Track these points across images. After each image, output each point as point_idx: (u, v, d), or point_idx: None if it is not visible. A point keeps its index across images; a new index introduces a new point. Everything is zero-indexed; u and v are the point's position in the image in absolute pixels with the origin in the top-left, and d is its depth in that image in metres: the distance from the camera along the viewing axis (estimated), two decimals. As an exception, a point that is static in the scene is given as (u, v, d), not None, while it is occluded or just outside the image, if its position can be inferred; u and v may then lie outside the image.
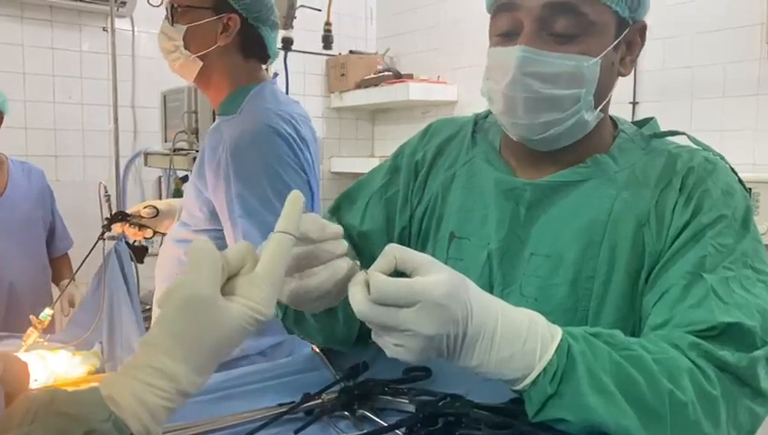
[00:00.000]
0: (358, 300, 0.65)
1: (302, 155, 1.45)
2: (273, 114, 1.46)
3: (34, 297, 2.24)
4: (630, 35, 0.89)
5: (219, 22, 1.49)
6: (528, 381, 0.68)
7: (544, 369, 0.68)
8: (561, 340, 0.69)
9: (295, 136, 1.45)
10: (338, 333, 0.90)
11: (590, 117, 0.88)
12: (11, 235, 2.24)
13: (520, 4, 0.85)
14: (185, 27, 1.50)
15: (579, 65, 0.84)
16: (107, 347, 1.75)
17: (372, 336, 0.68)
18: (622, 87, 2.67)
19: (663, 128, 0.96)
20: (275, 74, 1.73)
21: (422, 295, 0.63)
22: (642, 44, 0.92)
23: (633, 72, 2.80)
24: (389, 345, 0.66)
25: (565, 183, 0.91)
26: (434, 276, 0.65)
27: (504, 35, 0.88)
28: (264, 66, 1.63)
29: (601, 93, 0.88)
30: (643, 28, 0.91)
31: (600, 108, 0.89)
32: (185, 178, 2.66)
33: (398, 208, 1.03)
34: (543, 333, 0.69)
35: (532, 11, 0.84)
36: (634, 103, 2.73)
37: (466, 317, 0.66)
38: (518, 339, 0.68)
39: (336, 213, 1.06)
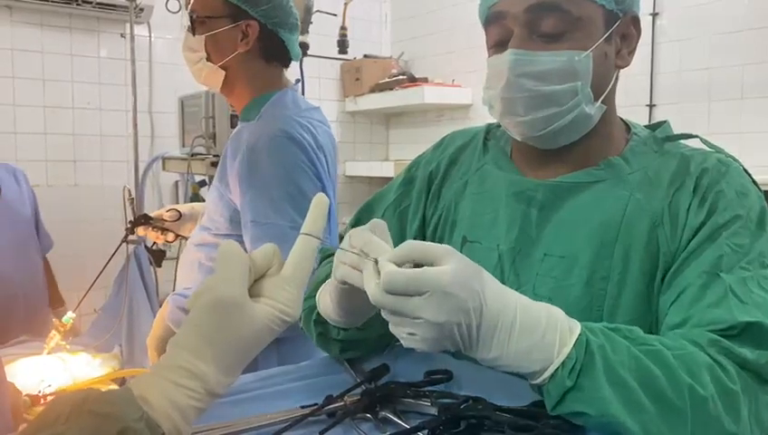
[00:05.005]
0: (371, 288, 0.67)
1: (317, 162, 1.45)
2: (290, 120, 1.46)
3: (34, 298, 2.10)
4: (623, 28, 0.91)
5: (238, 29, 1.48)
6: (547, 374, 0.69)
7: (563, 362, 0.68)
8: (580, 333, 0.70)
9: (312, 142, 1.44)
10: (371, 345, 0.93)
11: (592, 110, 0.90)
12: (7, 235, 2.07)
13: (506, 11, 0.88)
14: (204, 37, 1.50)
15: (570, 60, 0.86)
16: (126, 349, 1.77)
17: (390, 328, 0.68)
18: (639, 89, 2.69)
19: (680, 130, 0.96)
20: (297, 80, 1.72)
21: (429, 284, 0.64)
22: (638, 36, 0.93)
23: (650, 73, 2.80)
24: (404, 335, 0.67)
25: (577, 184, 0.91)
26: (444, 266, 0.65)
27: (497, 45, 0.91)
28: (285, 70, 1.63)
29: (599, 85, 0.90)
30: (635, 19, 0.92)
31: (600, 100, 0.90)
32: (202, 183, 2.68)
33: (409, 220, 1.05)
34: (562, 326, 0.70)
35: (518, 16, 0.87)
36: (651, 106, 2.71)
37: (479, 308, 0.66)
38: (537, 331, 0.68)
39: (356, 226, 1.08)
